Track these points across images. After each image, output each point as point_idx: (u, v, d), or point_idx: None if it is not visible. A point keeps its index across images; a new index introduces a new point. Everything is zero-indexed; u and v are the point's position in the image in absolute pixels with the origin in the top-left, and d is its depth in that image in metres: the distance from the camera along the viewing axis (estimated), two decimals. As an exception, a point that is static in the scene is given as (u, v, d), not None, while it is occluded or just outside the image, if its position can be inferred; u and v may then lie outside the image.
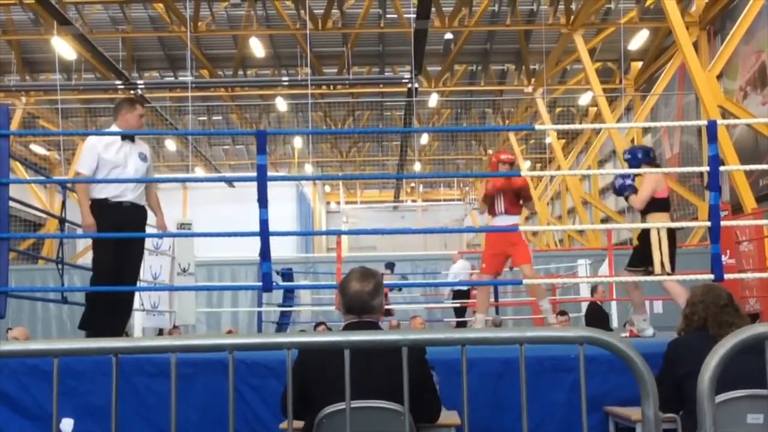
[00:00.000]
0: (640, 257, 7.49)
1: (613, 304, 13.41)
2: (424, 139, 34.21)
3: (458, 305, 15.18)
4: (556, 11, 23.04)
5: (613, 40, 23.68)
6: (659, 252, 7.29)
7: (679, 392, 3.96)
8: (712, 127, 5.91)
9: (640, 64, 26.37)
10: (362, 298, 3.74)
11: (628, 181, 7.61)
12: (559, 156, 28.74)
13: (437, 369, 3.93)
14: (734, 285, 10.03)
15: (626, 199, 7.66)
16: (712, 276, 5.93)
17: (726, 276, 6.07)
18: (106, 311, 6.46)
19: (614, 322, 13.24)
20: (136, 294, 10.75)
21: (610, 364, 4.71)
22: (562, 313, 12.55)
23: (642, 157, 7.62)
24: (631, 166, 7.65)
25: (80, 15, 23.09)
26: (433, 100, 28.67)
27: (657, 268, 7.25)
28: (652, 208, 7.49)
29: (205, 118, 31.78)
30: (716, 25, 21.57)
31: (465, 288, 15.15)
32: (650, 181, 7.53)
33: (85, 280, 17.57)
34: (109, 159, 6.59)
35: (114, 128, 6.81)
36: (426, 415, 3.68)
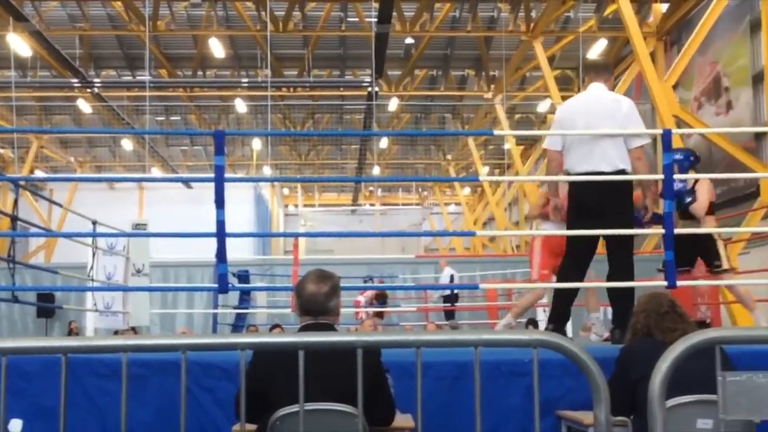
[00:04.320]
0: (687, 257, 7.57)
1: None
2: (384, 143, 34.24)
3: (448, 309, 15.70)
4: (516, 18, 23.20)
5: (572, 48, 23.90)
6: (724, 251, 7.61)
7: (631, 396, 4.00)
8: (667, 136, 5.98)
9: (597, 72, 26.60)
10: (318, 300, 3.74)
11: (687, 187, 7.63)
12: (517, 162, 28.93)
13: (392, 372, 3.92)
14: (686, 292, 10.15)
15: (685, 205, 7.63)
16: (665, 283, 6.00)
17: (678, 283, 6.15)
18: None
19: (570, 329, 13.31)
20: (89, 294, 10.64)
21: (564, 368, 4.73)
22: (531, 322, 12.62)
23: (694, 160, 7.72)
24: (681, 168, 7.62)
25: (37, 11, 22.77)
26: (393, 105, 28.72)
27: (726, 264, 7.57)
28: (708, 211, 7.66)
29: (163, 118, 31.51)
30: (673, 35, 21.89)
31: (455, 293, 15.87)
32: (709, 186, 7.66)
33: (37, 279, 17.38)
34: None
35: None
36: (380, 417, 3.68)
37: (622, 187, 6.08)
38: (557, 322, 6.35)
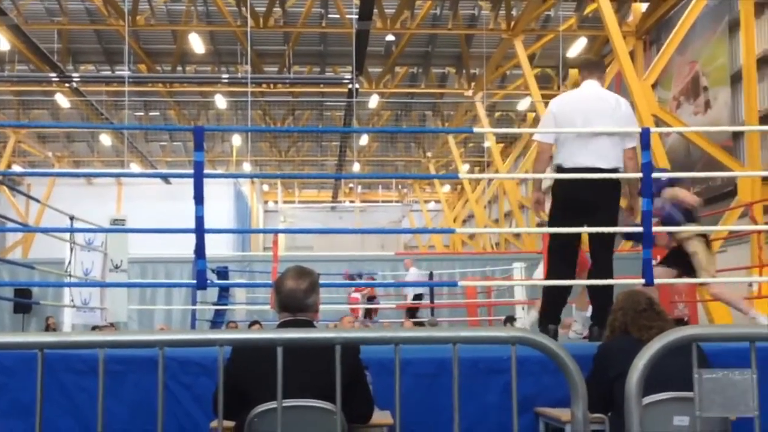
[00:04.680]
0: (676, 260, 7.60)
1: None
2: (364, 140, 34.23)
3: (413, 306, 15.79)
4: (497, 17, 23.26)
5: (552, 46, 23.98)
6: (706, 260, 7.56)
7: (608, 394, 4.02)
8: (645, 134, 6.00)
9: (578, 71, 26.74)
10: (297, 297, 3.74)
11: (671, 207, 7.63)
12: (497, 160, 29.00)
13: (371, 369, 3.92)
14: (663, 290, 10.21)
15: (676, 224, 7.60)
16: (643, 281, 6.03)
17: (656, 281, 6.18)
18: None
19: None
20: (66, 290, 10.57)
21: (542, 365, 4.74)
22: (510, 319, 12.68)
23: (666, 180, 7.75)
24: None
25: (15, 5, 22.60)
26: (374, 102, 28.71)
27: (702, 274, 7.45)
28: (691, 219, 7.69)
29: (142, 114, 31.36)
30: (652, 35, 22.01)
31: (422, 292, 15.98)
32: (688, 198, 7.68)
33: (14, 274, 17.24)
34: None
35: None
36: (358, 414, 3.68)
37: (617, 185, 6.15)
38: (551, 323, 6.25)
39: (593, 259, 6.25)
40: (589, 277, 6.21)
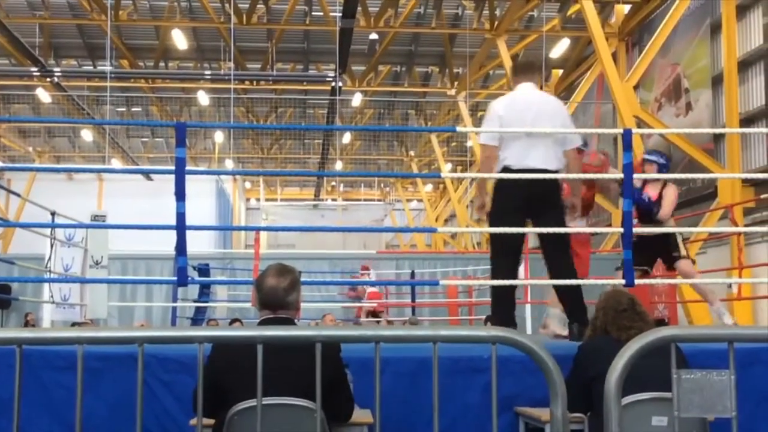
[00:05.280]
0: (647, 258, 7.82)
1: (527, 307, 13.57)
2: (347, 138, 34.19)
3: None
4: (481, 16, 23.29)
5: (536, 47, 24.03)
6: (682, 242, 7.90)
7: (587, 394, 4.03)
8: (627, 135, 6.03)
9: (560, 72, 26.84)
10: (277, 294, 3.73)
11: (651, 197, 7.84)
12: (479, 159, 29.01)
13: (351, 367, 3.92)
14: (644, 291, 10.28)
15: (654, 215, 7.82)
16: (623, 281, 6.05)
17: (636, 282, 6.21)
18: None
19: (528, 326, 13.39)
20: (46, 285, 10.50)
21: (522, 365, 4.75)
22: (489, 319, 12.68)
23: (666, 162, 7.93)
24: (660, 169, 7.94)
25: (-4, -2, 22.45)
26: (357, 100, 28.69)
27: (683, 251, 7.89)
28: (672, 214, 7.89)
29: (124, 110, 31.18)
30: (634, 37, 22.10)
31: None
32: (676, 194, 7.85)
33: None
34: None
35: None
36: (338, 413, 3.68)
37: (561, 186, 6.31)
38: (503, 325, 6.14)
39: (548, 262, 6.28)
40: (554, 278, 6.23)
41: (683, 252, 7.86)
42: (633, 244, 6.00)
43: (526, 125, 6.13)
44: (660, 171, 7.94)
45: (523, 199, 6.11)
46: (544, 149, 6.12)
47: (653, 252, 7.90)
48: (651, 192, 7.98)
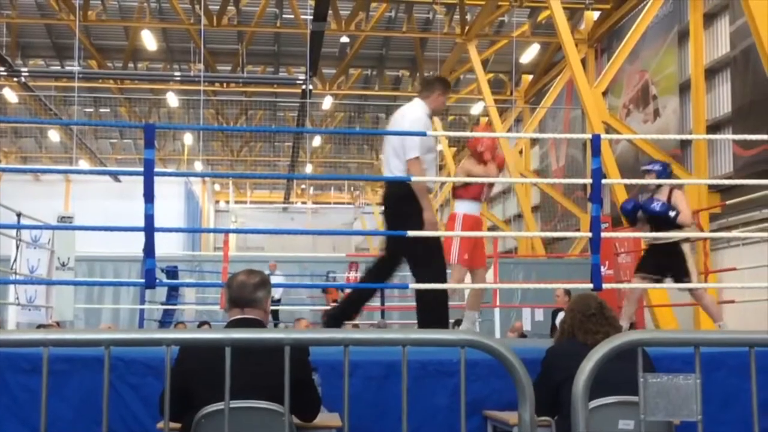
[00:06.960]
0: (657, 266, 7.94)
1: (497, 311, 13.63)
2: (317, 141, 34.15)
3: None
4: (452, 21, 23.37)
5: (506, 52, 24.17)
6: (694, 268, 7.93)
7: (554, 397, 4.05)
8: (596, 141, 6.07)
9: (530, 77, 26.99)
10: (246, 288, 3.75)
11: (662, 201, 7.90)
12: (449, 163, 29.11)
13: (320, 371, 3.91)
14: (612, 295, 10.36)
15: (673, 219, 7.81)
16: (591, 285, 6.09)
17: (604, 286, 6.25)
18: None
19: (497, 330, 13.45)
20: (11, 287, 10.38)
21: (491, 369, 4.76)
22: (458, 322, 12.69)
23: (670, 172, 8.06)
24: (659, 176, 8.05)
25: (-38, -3, 22.18)
26: (327, 103, 28.66)
27: (695, 280, 7.88)
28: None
29: (92, 110, 30.91)
30: (603, 43, 22.29)
31: None
32: (683, 194, 7.97)
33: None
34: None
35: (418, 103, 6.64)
36: (303, 414, 3.67)
37: (402, 196, 6.51)
38: (339, 320, 6.75)
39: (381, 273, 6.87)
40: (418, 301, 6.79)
41: (693, 279, 7.89)
42: (645, 251, 6.09)
43: (431, 141, 6.60)
44: (659, 177, 8.06)
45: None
46: (386, 162, 6.55)
47: (665, 265, 7.98)
48: (661, 198, 8.08)
